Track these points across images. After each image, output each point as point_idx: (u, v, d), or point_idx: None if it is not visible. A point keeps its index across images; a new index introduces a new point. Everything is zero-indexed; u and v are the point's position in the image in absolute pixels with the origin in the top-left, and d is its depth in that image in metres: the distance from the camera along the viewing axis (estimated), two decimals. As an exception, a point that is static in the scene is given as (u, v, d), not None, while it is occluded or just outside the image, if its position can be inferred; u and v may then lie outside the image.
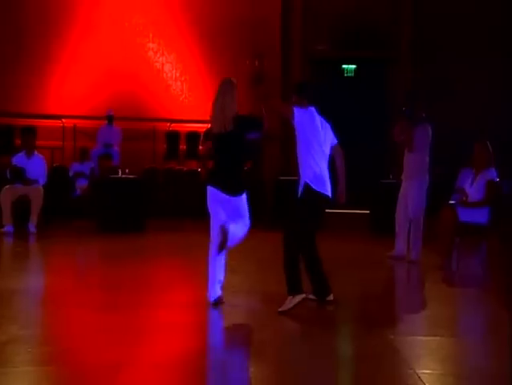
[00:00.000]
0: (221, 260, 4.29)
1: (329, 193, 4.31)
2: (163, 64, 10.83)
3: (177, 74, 10.87)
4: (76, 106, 10.48)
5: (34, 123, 9.98)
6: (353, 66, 10.85)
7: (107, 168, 9.60)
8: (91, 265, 6.28)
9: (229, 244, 4.19)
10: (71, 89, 10.49)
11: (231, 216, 4.24)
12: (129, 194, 8.37)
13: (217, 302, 4.29)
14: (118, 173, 8.62)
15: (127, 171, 8.61)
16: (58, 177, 9.15)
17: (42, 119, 10.14)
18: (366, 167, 10.43)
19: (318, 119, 4.37)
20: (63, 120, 10.33)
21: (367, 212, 8.67)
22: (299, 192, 4.31)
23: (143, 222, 8.41)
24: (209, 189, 4.27)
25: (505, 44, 10.29)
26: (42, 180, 8.17)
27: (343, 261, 6.28)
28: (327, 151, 4.38)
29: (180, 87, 10.92)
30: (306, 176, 4.29)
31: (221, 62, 10.62)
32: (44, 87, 10.46)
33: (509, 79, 10.24)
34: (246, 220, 4.30)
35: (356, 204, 9.36)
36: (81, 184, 9.32)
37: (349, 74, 10.83)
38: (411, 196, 6.14)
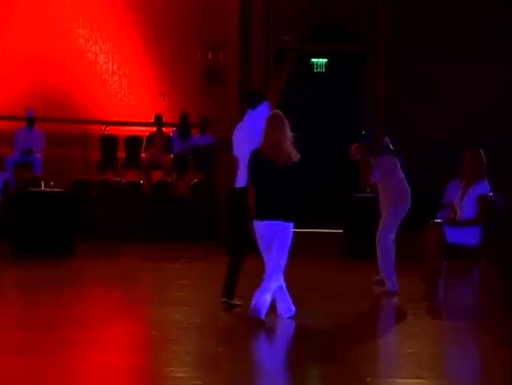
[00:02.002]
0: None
1: None
2: (96, 54, 10.72)
3: (114, 67, 10.77)
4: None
5: None
6: (324, 61, 11.02)
7: (27, 179, 9.43)
8: (4, 299, 6.09)
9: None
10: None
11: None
12: (54, 211, 8.21)
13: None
14: (40, 186, 8.45)
15: (51, 183, 8.45)
16: (-37, 190, 8.92)
17: None
18: (338, 178, 10.54)
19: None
20: (-30, 121, 10.11)
21: (340, 231, 8.72)
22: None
23: (71, 245, 8.25)
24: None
25: (489, 39, 10.68)
26: None
27: (313, 290, 6.31)
28: None
29: (117, 82, 10.81)
30: None
31: (168, 53, 10.59)
32: None
33: (498, 76, 10.62)
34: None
35: (327, 222, 9.42)
36: (-7, 199, 9.09)
37: (319, 70, 11.00)
38: (382, 222, 6.27)
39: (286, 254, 5.04)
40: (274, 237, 4.98)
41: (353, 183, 9.67)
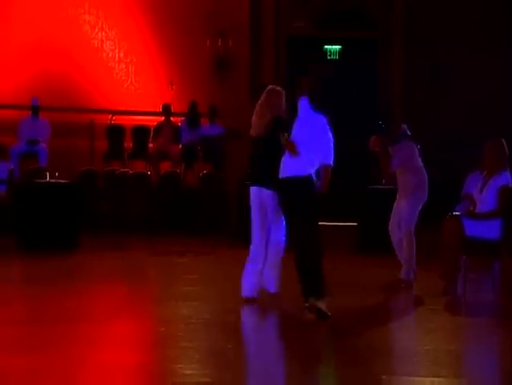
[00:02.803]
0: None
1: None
2: (102, 41, 10.71)
3: (121, 55, 10.75)
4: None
5: None
6: (338, 48, 10.96)
7: (32, 169, 9.45)
8: (9, 294, 6.10)
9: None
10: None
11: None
12: (59, 203, 8.22)
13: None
14: (45, 177, 8.47)
15: (57, 174, 8.46)
16: (-34, 182, 8.96)
17: None
18: (353, 169, 10.51)
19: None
20: (-28, 108, 10.13)
21: (355, 224, 8.68)
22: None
23: (76, 239, 8.26)
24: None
25: (508, 28, 10.58)
26: None
27: (331, 284, 6.30)
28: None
29: (124, 70, 10.79)
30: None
31: (176, 40, 10.57)
32: None
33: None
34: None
35: (342, 215, 9.42)
36: (-3, 191, 9.13)
37: (333, 57, 10.94)
38: (403, 210, 6.25)
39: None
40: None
41: (368, 174, 9.67)
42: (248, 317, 5.15)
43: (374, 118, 10.69)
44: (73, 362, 4.02)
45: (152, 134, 10.48)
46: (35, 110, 9.95)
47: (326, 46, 10.95)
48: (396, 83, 10.80)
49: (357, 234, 8.54)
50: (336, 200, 10.48)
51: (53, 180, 8.37)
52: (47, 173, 8.50)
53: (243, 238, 8.95)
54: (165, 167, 10.35)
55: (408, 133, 6.41)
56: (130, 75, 10.84)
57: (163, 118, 10.44)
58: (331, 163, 5.24)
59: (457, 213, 6.11)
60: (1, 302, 5.69)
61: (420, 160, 6.36)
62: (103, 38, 10.71)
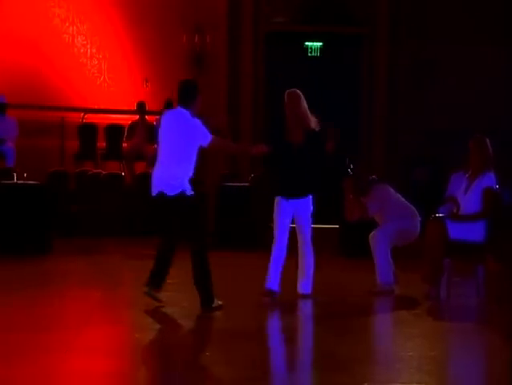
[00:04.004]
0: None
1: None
2: (73, 36, 10.65)
3: (93, 50, 10.71)
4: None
5: None
6: (319, 44, 11.02)
7: (-2, 170, 9.40)
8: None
9: None
10: None
11: None
12: (28, 205, 8.16)
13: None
14: (13, 178, 8.40)
15: (25, 175, 8.40)
16: None
17: None
18: (335, 168, 10.58)
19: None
20: None
21: (336, 226, 8.77)
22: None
23: (47, 242, 8.21)
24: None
25: (498, 22, 10.72)
26: None
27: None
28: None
29: (97, 66, 10.75)
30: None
31: (152, 36, 10.55)
32: None
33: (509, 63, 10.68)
34: None
35: (322, 217, 9.50)
36: (-38, 193, 9.01)
37: (314, 54, 11.00)
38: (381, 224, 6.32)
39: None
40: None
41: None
42: (223, 323, 5.18)
43: (356, 120, 10.83)
44: (45, 372, 4.00)
45: (126, 133, 10.46)
46: (2, 107, 9.88)
47: (307, 43, 11.00)
48: (380, 81, 10.89)
49: (338, 237, 8.61)
50: (318, 201, 10.61)
51: (21, 182, 8.31)
52: (15, 174, 8.44)
53: (221, 242, 9.08)
54: (140, 167, 10.33)
55: (376, 178, 6.46)
56: (103, 72, 10.80)
57: (137, 116, 10.42)
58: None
59: (440, 215, 6.18)
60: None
61: (394, 194, 6.32)
62: (75, 33, 10.66)
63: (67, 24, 10.65)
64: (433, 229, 5.97)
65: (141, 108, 10.39)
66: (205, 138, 5.42)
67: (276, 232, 5.89)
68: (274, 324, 5.19)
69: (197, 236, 5.29)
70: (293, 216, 5.87)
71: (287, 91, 5.95)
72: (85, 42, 10.68)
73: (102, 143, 10.53)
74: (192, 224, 5.30)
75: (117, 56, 10.81)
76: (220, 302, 5.33)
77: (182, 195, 5.27)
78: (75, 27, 10.66)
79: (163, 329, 4.94)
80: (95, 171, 10.09)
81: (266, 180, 9.88)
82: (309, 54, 10.98)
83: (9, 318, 5.21)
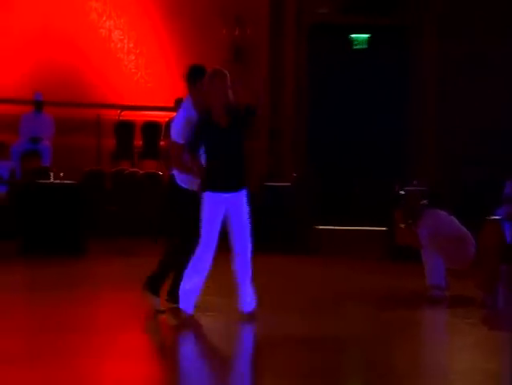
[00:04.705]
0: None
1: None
2: (110, 31, 10.74)
3: (130, 45, 10.79)
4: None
5: None
6: (365, 36, 10.89)
7: (34, 169, 9.50)
8: (10, 302, 6.14)
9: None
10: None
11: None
12: (64, 205, 8.28)
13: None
14: (49, 177, 8.52)
15: (61, 174, 8.51)
16: (-36, 182, 9.07)
17: None
18: (382, 169, 10.47)
19: None
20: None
21: (384, 229, 8.70)
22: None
23: (82, 243, 8.31)
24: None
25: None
26: None
27: (350, 294, 6.31)
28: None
29: (134, 62, 10.82)
30: None
31: (190, 29, 10.57)
32: None
33: None
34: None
35: (370, 219, 9.42)
36: (-3, 192, 9.20)
37: (359, 46, 10.88)
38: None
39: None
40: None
41: (401, 175, 9.62)
42: (265, 329, 5.13)
43: (405, 113, 10.68)
44: (76, 376, 4.02)
45: (163, 131, 10.50)
46: (38, 105, 10.01)
47: (352, 35, 10.88)
48: (428, 74, 10.69)
49: (387, 240, 8.51)
50: (364, 203, 10.51)
51: (57, 181, 8.42)
52: (51, 173, 8.55)
53: (261, 245, 9.02)
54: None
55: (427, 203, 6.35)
56: (140, 67, 10.86)
57: (175, 113, 10.44)
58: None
59: (497, 218, 6.04)
60: (1, 311, 5.74)
61: (451, 223, 6.17)
62: (112, 28, 10.74)
63: (104, 18, 10.74)
64: (489, 233, 5.85)
65: (179, 105, 10.40)
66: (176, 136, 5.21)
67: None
68: (319, 332, 5.11)
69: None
70: (225, 215, 5.03)
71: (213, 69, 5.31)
72: (122, 37, 10.76)
73: (139, 142, 10.59)
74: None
75: (155, 51, 10.85)
76: (163, 309, 5.16)
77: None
78: (112, 21, 10.74)
79: (201, 335, 4.92)
80: (131, 170, 10.16)
81: (309, 180, 9.82)
82: (354, 47, 10.86)
83: (41, 320, 5.28)
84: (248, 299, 5.08)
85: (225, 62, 10.62)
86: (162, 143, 10.52)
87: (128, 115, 10.64)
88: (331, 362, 4.40)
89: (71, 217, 8.31)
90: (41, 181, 8.56)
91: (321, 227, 9.54)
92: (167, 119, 10.51)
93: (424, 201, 6.38)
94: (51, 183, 8.42)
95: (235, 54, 10.68)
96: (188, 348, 4.72)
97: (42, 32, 10.43)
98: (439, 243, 6.09)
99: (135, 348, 4.67)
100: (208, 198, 4.97)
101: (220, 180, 4.98)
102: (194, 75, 5.30)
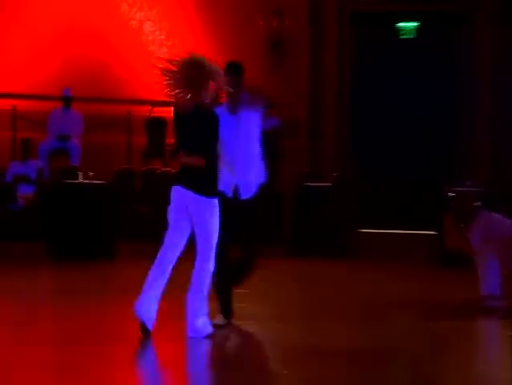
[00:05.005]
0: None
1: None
2: (141, 22, 10.76)
3: (162, 38, 10.79)
4: (17, 80, 10.35)
5: None
6: (413, 25, 10.71)
7: (62, 168, 9.53)
8: (37, 308, 6.17)
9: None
10: (9, 56, 10.37)
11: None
12: (93, 206, 8.32)
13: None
14: (78, 177, 8.55)
15: (90, 174, 8.54)
16: (-10, 182, 9.15)
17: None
18: (430, 168, 10.28)
19: None
20: (-3, 100, 10.30)
21: (433, 233, 8.58)
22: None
23: (112, 246, 8.32)
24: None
25: None
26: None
27: (394, 302, 6.23)
28: None
29: (166, 55, 10.79)
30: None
31: (225, 21, 10.53)
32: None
33: None
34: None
35: (417, 222, 9.27)
36: (24, 192, 9.22)
37: (407, 36, 10.71)
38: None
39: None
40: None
41: (451, 175, 9.42)
42: (304, 339, 5.04)
43: (456, 108, 10.47)
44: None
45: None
46: (67, 101, 10.05)
47: (399, 24, 10.72)
48: (481, 65, 10.44)
49: (436, 244, 8.37)
50: (411, 204, 10.34)
51: (86, 181, 8.46)
52: (80, 173, 8.58)
53: (300, 248, 8.98)
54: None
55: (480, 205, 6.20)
56: (172, 61, 10.85)
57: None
58: None
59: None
60: (28, 318, 5.77)
61: (504, 225, 6.02)
62: (143, 19, 10.76)
63: (135, 9, 10.76)
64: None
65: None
66: None
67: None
68: (360, 343, 5.00)
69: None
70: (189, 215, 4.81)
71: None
72: (154, 29, 10.77)
73: (171, 139, 10.55)
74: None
75: (188, 43, 10.77)
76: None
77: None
78: (143, 13, 10.76)
79: (235, 344, 4.85)
80: (163, 169, 10.15)
81: (351, 180, 9.69)
82: (402, 37, 10.70)
83: (69, 328, 5.28)
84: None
85: (262, 56, 10.56)
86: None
87: (159, 112, 10.61)
88: (372, 377, 4.30)
89: (100, 219, 8.34)
90: (69, 181, 8.60)
91: (363, 230, 9.42)
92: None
93: (478, 203, 6.22)
94: (80, 183, 8.46)
95: (273, 47, 10.60)
96: (227, 358, 4.65)
97: (71, 26, 10.48)
98: (493, 248, 5.97)
99: (167, 357, 4.64)
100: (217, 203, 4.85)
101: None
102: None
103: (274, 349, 4.85)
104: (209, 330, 4.80)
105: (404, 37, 10.71)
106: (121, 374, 4.27)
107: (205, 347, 4.85)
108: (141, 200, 9.80)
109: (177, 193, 4.84)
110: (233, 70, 5.22)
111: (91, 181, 8.47)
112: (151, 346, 4.84)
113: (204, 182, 4.79)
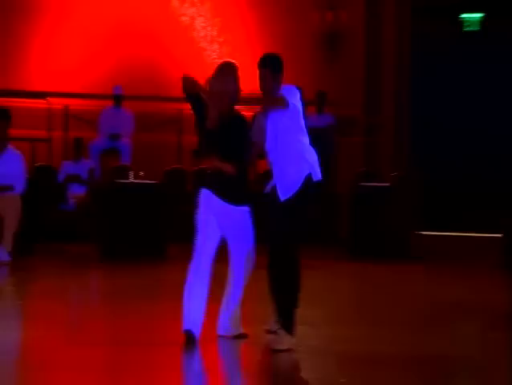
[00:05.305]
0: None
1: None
2: (193, 18, 10.83)
3: (214, 34, 10.85)
4: (68, 79, 10.56)
5: (7, 103, 9.87)
6: (477, 16, 10.52)
7: (113, 168, 9.67)
8: (89, 310, 6.26)
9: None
10: (61, 56, 10.61)
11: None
12: (144, 206, 8.37)
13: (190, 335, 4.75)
14: (129, 177, 8.65)
15: (141, 173, 8.62)
16: (42, 182, 9.19)
17: (18, 98, 10.23)
18: (496, 167, 10.08)
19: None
20: (49, 100, 10.43)
21: (500, 236, 8.43)
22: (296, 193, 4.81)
23: (163, 246, 8.39)
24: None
25: None
26: (20, 187, 8.27)
27: (456, 308, 6.13)
28: None
29: (217, 51, 10.88)
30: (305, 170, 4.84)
31: (279, 15, 10.52)
32: (22, 52, 10.59)
33: None
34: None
35: (482, 224, 9.09)
36: (76, 193, 9.40)
37: (471, 28, 10.52)
38: None
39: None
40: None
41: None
42: (363, 346, 5.00)
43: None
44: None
45: (249, 126, 10.48)
46: (118, 100, 10.15)
47: (462, 15, 10.54)
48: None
49: (503, 248, 8.24)
50: (476, 206, 10.14)
51: (137, 181, 8.54)
52: (131, 172, 8.67)
53: (357, 250, 8.91)
54: (264, 165, 10.31)
55: None
56: (224, 57, 10.89)
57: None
58: None
59: None
60: (79, 319, 5.86)
61: None
62: (194, 15, 10.84)
63: (186, 5, 10.85)
64: None
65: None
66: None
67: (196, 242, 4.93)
68: (420, 350, 4.93)
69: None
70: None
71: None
72: (205, 25, 10.83)
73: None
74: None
75: (240, 39, 10.85)
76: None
77: None
78: (194, 8, 10.84)
79: (293, 350, 4.84)
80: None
81: (411, 179, 9.57)
82: (465, 29, 10.52)
83: (119, 332, 5.31)
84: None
85: (316, 51, 10.53)
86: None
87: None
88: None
89: (152, 219, 8.40)
90: (120, 181, 8.69)
91: (424, 232, 9.29)
92: (254, 113, 10.50)
93: None
94: (131, 183, 8.54)
95: (328, 42, 10.56)
96: (279, 364, 4.65)
97: (122, 25, 10.61)
98: None
99: (215, 362, 4.65)
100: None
101: None
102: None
103: (328, 355, 4.80)
104: (240, 330, 4.85)
105: (468, 29, 10.54)
106: (169, 374, 4.29)
107: (255, 352, 4.85)
108: (191, 201, 9.84)
109: (206, 197, 4.83)
110: (260, 62, 4.98)
111: (141, 181, 8.54)
112: (197, 351, 4.86)
113: (233, 190, 4.79)
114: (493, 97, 10.29)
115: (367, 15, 10.52)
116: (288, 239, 4.81)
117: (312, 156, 4.90)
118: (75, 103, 10.48)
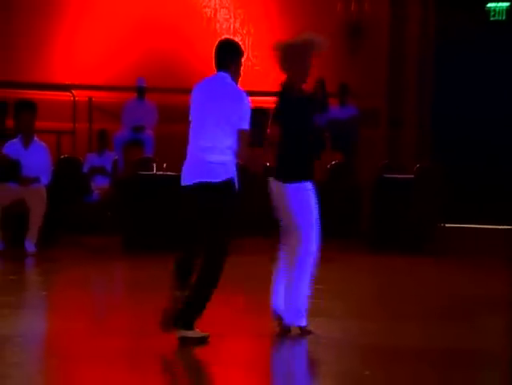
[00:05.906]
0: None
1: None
2: (216, 10, 10.84)
3: (236, 25, 10.84)
4: (92, 72, 10.65)
5: (33, 95, 10.01)
6: (505, 5, 10.39)
7: (137, 160, 9.71)
8: (112, 301, 6.34)
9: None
10: (86, 49, 10.69)
11: None
12: (167, 198, 8.41)
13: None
14: (152, 169, 8.70)
15: (164, 165, 8.66)
16: (66, 174, 9.30)
17: (43, 90, 10.32)
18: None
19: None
20: (74, 92, 10.52)
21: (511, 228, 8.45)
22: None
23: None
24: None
25: None
26: (45, 179, 8.38)
27: (481, 302, 6.13)
28: None
29: (241, 43, 10.86)
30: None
31: (301, 6, 10.49)
32: (47, 46, 10.71)
33: None
34: None
35: (495, 217, 9.01)
36: (100, 184, 9.47)
37: (498, 17, 10.41)
38: None
39: None
40: None
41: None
42: (384, 339, 5.01)
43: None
44: (182, 382, 4.06)
45: (271, 118, 10.49)
46: (141, 91, 10.22)
47: (489, 4, 10.42)
48: None
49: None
50: (501, 197, 10.05)
51: (160, 172, 8.59)
52: (154, 164, 8.72)
53: (379, 243, 8.88)
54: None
55: None
56: (247, 49, 10.84)
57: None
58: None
59: None
60: (103, 310, 5.94)
61: None
62: (217, 7, 10.84)
63: (209, -2, 10.87)
64: None
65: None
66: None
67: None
68: (443, 344, 4.92)
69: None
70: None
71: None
72: (228, 16, 10.82)
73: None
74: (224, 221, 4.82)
75: (263, 30, 10.83)
76: (205, 334, 4.70)
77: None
78: (217, 0, 10.84)
79: (312, 341, 4.86)
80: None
81: (435, 171, 9.52)
82: (491, 18, 10.40)
83: (142, 323, 5.34)
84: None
85: (339, 42, 10.48)
86: (269, 130, 10.52)
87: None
88: (454, 379, 4.22)
89: (175, 211, 8.43)
90: (143, 173, 8.75)
91: (449, 225, 9.25)
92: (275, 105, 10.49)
93: None
94: (154, 175, 8.59)
95: (351, 32, 10.51)
96: (299, 357, 4.67)
97: (145, 17, 10.64)
98: None
99: (240, 355, 4.68)
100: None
101: None
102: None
103: (351, 348, 4.82)
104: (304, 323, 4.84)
105: (494, 19, 10.43)
106: (192, 365, 4.34)
107: (284, 346, 4.88)
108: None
109: (272, 186, 5.00)
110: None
111: (165, 173, 8.59)
112: (217, 343, 4.88)
113: (289, 168, 4.91)
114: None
115: (391, 5, 10.45)
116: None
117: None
118: (98, 96, 10.55)
